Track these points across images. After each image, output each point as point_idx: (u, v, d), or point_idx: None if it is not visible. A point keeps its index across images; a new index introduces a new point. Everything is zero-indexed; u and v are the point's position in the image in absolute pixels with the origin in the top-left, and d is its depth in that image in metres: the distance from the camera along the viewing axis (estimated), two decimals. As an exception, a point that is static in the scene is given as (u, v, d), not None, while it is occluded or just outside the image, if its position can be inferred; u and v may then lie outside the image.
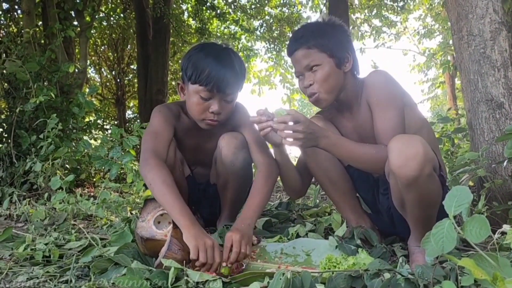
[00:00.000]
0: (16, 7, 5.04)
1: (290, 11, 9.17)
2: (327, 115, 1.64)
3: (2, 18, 5.08)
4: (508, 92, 1.74)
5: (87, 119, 4.62)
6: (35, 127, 3.29)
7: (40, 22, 5.11)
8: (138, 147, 2.43)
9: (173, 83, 8.32)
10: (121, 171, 3.21)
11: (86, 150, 3.11)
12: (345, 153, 1.40)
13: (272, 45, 9.33)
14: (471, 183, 1.83)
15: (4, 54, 3.67)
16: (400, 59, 42.53)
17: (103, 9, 7.25)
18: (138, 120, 7.27)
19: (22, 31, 4.09)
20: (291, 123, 1.31)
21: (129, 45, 9.10)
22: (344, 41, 1.50)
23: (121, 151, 2.59)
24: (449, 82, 10.17)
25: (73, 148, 3.35)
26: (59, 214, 2.26)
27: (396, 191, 1.33)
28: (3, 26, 5.07)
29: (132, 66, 9.25)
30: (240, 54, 7.89)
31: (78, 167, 3.53)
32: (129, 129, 7.08)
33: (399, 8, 9.15)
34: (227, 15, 8.38)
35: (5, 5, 5.00)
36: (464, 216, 0.88)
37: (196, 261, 1.21)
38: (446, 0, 1.96)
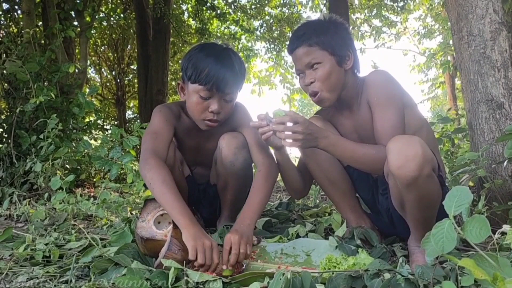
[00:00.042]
0: (16, 7, 5.05)
1: (290, 11, 9.18)
2: (326, 115, 1.63)
3: (2, 19, 5.09)
4: (508, 92, 1.74)
5: (87, 119, 4.62)
6: (35, 127, 3.29)
7: (40, 23, 5.12)
8: (138, 147, 2.43)
9: (173, 83, 8.32)
10: (121, 171, 3.20)
11: (86, 150, 3.10)
12: (344, 154, 1.39)
13: (272, 45, 9.34)
14: (471, 183, 1.83)
15: (4, 55, 3.67)
16: (400, 59, 42.47)
17: (103, 9, 7.26)
18: (138, 120, 7.26)
19: (22, 31, 4.10)
20: (290, 124, 1.31)
21: (129, 45, 9.11)
22: (345, 39, 1.50)
23: (121, 151, 2.59)
24: (449, 82, 10.16)
25: (73, 148, 3.35)
26: (59, 214, 2.26)
27: (395, 192, 1.33)
28: (3, 27, 5.07)
29: (132, 66, 9.25)
30: (240, 54, 7.90)
31: (78, 167, 3.54)
32: (129, 129, 7.07)
33: (399, 8, 9.13)
34: (227, 15, 8.38)
35: (5, 5, 5.01)
36: (464, 216, 0.88)
37: (195, 261, 1.21)
38: (446, 0, 1.96)
